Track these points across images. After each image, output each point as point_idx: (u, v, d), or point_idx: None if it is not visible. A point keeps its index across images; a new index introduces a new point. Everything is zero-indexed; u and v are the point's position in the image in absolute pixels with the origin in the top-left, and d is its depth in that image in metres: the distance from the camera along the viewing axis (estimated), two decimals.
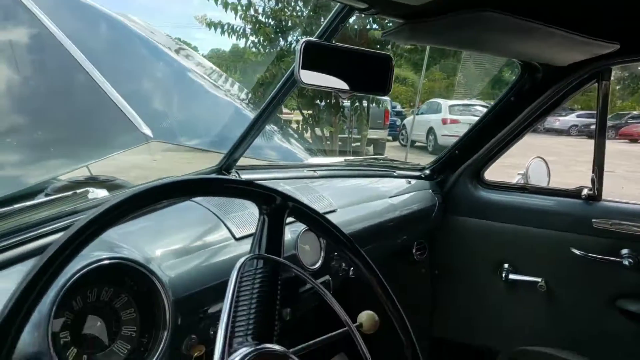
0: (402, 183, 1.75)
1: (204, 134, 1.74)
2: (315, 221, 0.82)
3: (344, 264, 1.35)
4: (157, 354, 0.84)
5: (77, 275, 0.76)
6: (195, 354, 0.92)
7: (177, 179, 0.66)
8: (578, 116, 15.33)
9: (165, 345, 0.85)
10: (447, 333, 1.94)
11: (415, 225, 1.74)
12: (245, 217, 1.14)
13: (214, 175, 0.91)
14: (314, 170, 1.52)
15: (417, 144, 11.23)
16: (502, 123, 1.66)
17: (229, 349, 0.62)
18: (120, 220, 0.61)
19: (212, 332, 0.98)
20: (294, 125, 5.79)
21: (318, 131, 5.69)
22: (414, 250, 1.85)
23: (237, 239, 1.08)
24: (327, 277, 1.29)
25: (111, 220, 0.60)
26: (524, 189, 1.74)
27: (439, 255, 1.92)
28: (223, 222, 1.09)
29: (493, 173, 1.84)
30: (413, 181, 1.79)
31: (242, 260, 0.69)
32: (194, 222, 1.08)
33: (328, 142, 5.75)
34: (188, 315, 0.93)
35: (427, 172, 1.87)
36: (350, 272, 1.35)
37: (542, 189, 1.73)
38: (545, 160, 1.83)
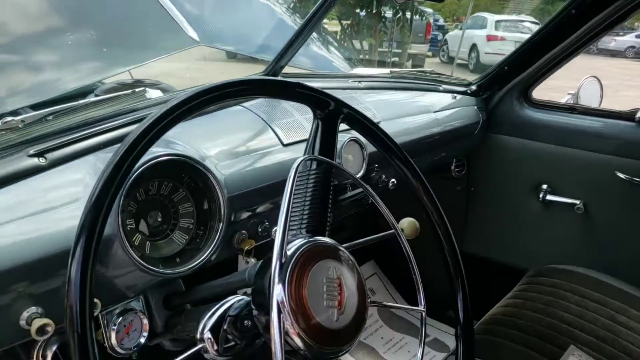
0: (447, 98, 1.72)
1: (250, 40, 1.72)
2: (368, 129, 0.84)
3: (384, 176, 1.38)
4: (213, 244, 0.90)
5: (141, 168, 0.81)
6: (246, 248, 0.99)
7: (243, 78, 0.68)
8: (637, 36, 14.30)
9: (220, 236, 0.91)
10: (477, 249, 1.99)
11: (456, 142, 1.74)
12: (292, 124, 1.16)
13: (275, 77, 0.93)
14: (359, 81, 1.51)
15: (458, 61, 10.82)
16: (558, 38, 1.58)
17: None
18: (190, 114, 0.64)
19: (260, 230, 1.04)
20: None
21: (357, 43, 5.53)
22: (452, 167, 1.86)
23: (284, 145, 1.11)
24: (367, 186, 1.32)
25: (184, 113, 0.63)
26: (572, 109, 1.70)
27: (477, 173, 1.92)
28: (271, 127, 1.12)
29: (537, 93, 1.79)
30: (458, 97, 1.76)
31: (298, 160, 0.72)
32: (243, 126, 1.11)
33: (367, 56, 5.60)
34: (239, 212, 0.99)
35: (474, 87, 1.83)
36: (390, 184, 1.39)
37: (593, 110, 1.68)
38: (600, 80, 1.76)
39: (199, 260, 0.89)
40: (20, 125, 0.81)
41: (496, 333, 1.30)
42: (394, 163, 0.85)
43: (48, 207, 0.76)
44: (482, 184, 1.93)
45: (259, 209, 1.03)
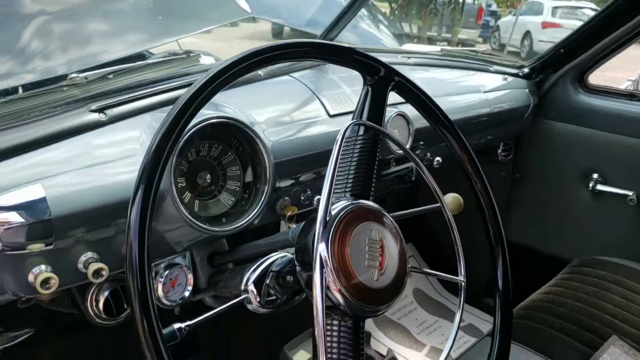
0: (497, 79, 1.68)
1: (299, 14, 1.72)
2: (418, 98, 0.84)
3: (429, 154, 1.37)
4: (257, 206, 0.93)
5: (194, 129, 0.83)
6: (288, 214, 1.01)
7: (295, 40, 0.69)
8: None
9: (265, 200, 0.93)
10: (519, 237, 1.95)
11: (504, 125, 1.70)
12: (339, 95, 1.17)
13: (327, 41, 0.94)
14: (408, 57, 1.50)
15: (509, 48, 10.48)
16: (618, 22, 1.52)
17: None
18: (249, 71, 0.66)
19: (302, 198, 1.06)
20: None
21: (406, 26, 5.44)
22: (499, 151, 1.83)
23: (330, 116, 1.12)
24: (411, 163, 1.32)
25: (244, 69, 0.65)
26: (632, 96, 1.63)
27: (524, 159, 1.88)
28: (318, 98, 1.13)
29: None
30: (510, 78, 1.72)
31: (346, 124, 0.73)
32: (291, 95, 1.13)
33: (415, 41, 5.51)
34: (283, 179, 1.01)
35: (526, 70, 1.78)
36: (435, 163, 1.38)
37: None
38: None
39: (244, 221, 0.91)
40: (84, 82, 0.85)
41: (535, 318, 1.28)
42: (441, 132, 0.85)
43: (105, 160, 0.80)
44: (529, 170, 1.89)
45: (303, 178, 1.05)
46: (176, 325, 0.63)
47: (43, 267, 0.73)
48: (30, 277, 0.72)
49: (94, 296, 0.85)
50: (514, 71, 1.76)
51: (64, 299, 0.89)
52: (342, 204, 0.69)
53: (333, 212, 0.67)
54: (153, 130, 0.83)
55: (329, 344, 0.65)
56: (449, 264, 0.83)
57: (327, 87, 1.16)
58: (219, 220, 0.92)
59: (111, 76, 0.91)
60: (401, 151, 1.24)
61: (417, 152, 1.34)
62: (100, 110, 0.83)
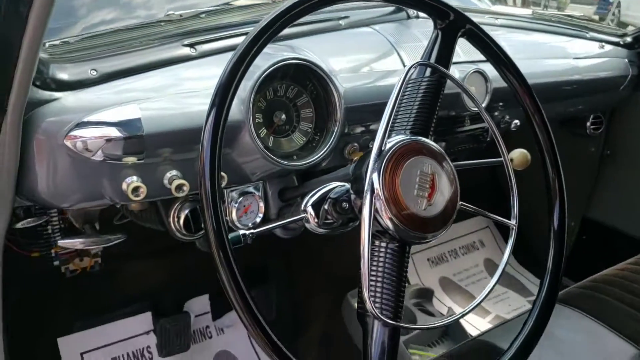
0: (593, 46, 1.59)
1: None
2: (489, 48, 0.84)
3: (507, 116, 1.35)
4: (327, 146, 0.99)
5: (272, 68, 0.90)
6: (355, 158, 1.06)
7: None
8: None
9: (334, 141, 0.99)
10: (603, 216, 1.86)
11: (597, 96, 1.61)
12: (418, 48, 1.18)
13: None
14: (495, 18, 1.46)
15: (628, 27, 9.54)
16: None
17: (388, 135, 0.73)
18: (312, 10, 0.71)
19: (371, 145, 1.10)
20: None
21: None
22: (588, 124, 1.74)
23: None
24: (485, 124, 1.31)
25: (311, 7, 0.70)
26: None
27: (616, 134, 1.77)
28: (396, 50, 1.16)
29: None
30: (608, 47, 1.62)
31: (411, 64, 0.76)
32: (370, 46, 1.16)
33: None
34: (353, 125, 1.06)
35: (629, 39, 1.66)
36: (512, 126, 1.36)
37: None
38: None
39: (314, 158, 0.98)
40: (178, 18, 0.95)
41: (603, 291, 1.25)
42: (507, 79, 0.85)
43: (192, 90, 0.90)
44: (621, 147, 1.78)
45: (372, 126, 1.09)
46: (242, 232, 0.71)
47: (135, 178, 0.84)
48: (124, 186, 0.84)
49: (176, 213, 0.96)
50: (614, 39, 1.66)
51: (151, 213, 1.01)
52: (399, 137, 0.73)
53: (388, 145, 0.71)
54: None
55: (374, 264, 0.70)
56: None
57: (406, 40, 1.18)
58: (290, 157, 0.99)
59: (203, 15, 1.00)
60: (477, 109, 1.24)
61: (496, 113, 1.33)
62: (192, 45, 0.93)
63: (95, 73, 0.84)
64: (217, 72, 0.93)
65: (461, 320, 1.73)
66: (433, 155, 0.73)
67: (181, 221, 0.96)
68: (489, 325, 1.76)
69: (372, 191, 0.68)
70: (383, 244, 0.71)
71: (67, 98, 0.81)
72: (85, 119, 0.79)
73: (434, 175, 0.71)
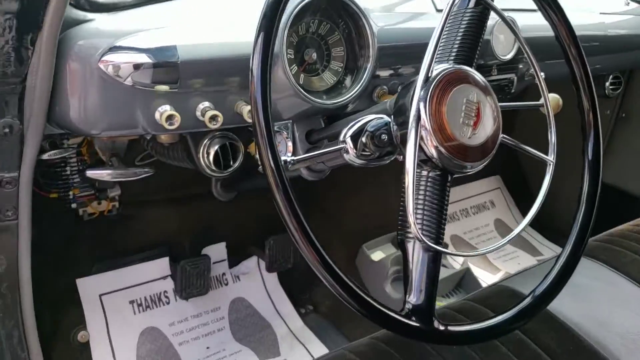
0: (619, 3, 1.57)
1: None
2: None
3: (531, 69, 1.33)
4: (357, 87, 0.97)
5: (303, 3, 0.88)
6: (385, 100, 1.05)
7: None
8: None
9: (365, 81, 0.98)
10: (615, 179, 1.86)
11: (619, 54, 1.59)
12: None
13: None
14: None
15: None
16: None
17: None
18: None
19: (399, 88, 1.09)
20: None
21: None
22: (607, 83, 1.72)
23: (438, 11, 1.12)
24: (512, 75, 1.30)
25: None
26: None
27: (633, 96, 1.76)
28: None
29: None
30: (634, 5, 1.59)
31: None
32: None
33: None
34: (383, 68, 1.04)
35: None
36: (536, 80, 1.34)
37: None
38: None
39: (344, 98, 0.97)
40: None
41: (620, 243, 1.26)
42: (544, 10, 0.84)
43: (233, 20, 0.88)
44: (637, 109, 1.77)
45: (402, 70, 1.08)
46: (283, 157, 0.70)
47: (168, 107, 0.83)
48: (157, 115, 0.82)
49: (206, 148, 0.95)
50: None
51: (179, 150, 1.00)
52: (444, 65, 0.72)
53: (434, 73, 0.70)
54: None
55: (416, 192, 0.70)
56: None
57: None
58: (319, 96, 0.98)
59: None
60: (505, 58, 1.22)
61: (520, 65, 1.31)
62: None
63: None
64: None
65: (473, 274, 1.75)
66: (478, 85, 0.72)
67: (211, 157, 0.96)
68: None
69: (418, 119, 0.67)
70: (424, 172, 0.71)
71: (102, 20, 0.79)
72: (119, 43, 0.77)
73: (480, 105, 0.70)
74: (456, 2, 0.75)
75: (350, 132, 0.79)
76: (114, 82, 0.78)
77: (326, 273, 0.63)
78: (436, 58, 0.76)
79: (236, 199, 1.48)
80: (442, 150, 0.68)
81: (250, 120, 0.88)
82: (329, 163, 0.98)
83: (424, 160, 0.70)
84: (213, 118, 0.84)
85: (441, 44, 0.77)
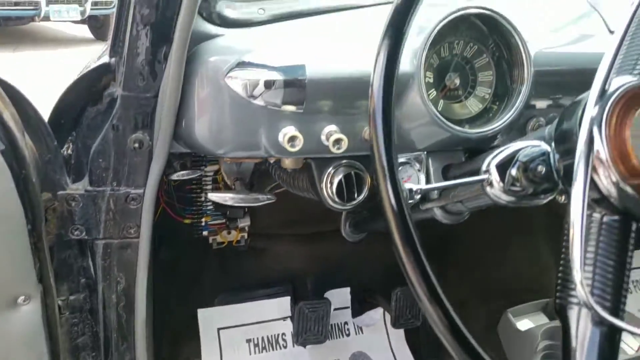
0: None
1: None
2: None
3: None
4: (506, 116, 0.83)
5: (449, 18, 0.79)
6: None
7: None
8: None
9: (517, 111, 0.83)
10: None
11: None
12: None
13: None
14: None
15: None
16: None
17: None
18: None
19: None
20: None
21: None
22: None
23: (611, 32, 0.94)
24: None
25: None
26: None
27: None
28: (597, 11, 0.96)
29: None
30: None
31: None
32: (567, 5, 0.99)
33: None
34: (541, 98, 0.89)
35: None
36: None
37: None
38: None
39: (490, 128, 0.83)
40: None
41: None
42: None
43: (364, 39, 0.81)
44: None
45: (563, 101, 0.91)
46: (408, 186, 0.59)
47: (292, 128, 0.77)
48: (280, 136, 0.77)
49: (329, 177, 0.87)
50: None
51: (303, 177, 0.94)
52: (627, 78, 0.55)
53: (611, 88, 0.54)
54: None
55: (585, 242, 0.53)
56: None
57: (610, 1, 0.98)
58: (461, 125, 0.86)
59: None
60: None
61: None
62: None
63: (262, 12, 0.80)
64: None
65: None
66: None
67: (334, 187, 0.87)
68: None
69: (590, 146, 0.52)
70: (596, 215, 0.54)
71: (231, 35, 0.78)
72: (246, 59, 0.75)
73: None
74: None
75: (496, 161, 0.65)
76: (240, 100, 0.75)
77: (454, 341, 0.49)
78: (616, 68, 0.60)
79: (366, 241, 1.38)
80: (625, 187, 0.51)
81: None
82: (468, 203, 0.84)
83: (596, 200, 0.53)
84: (337, 142, 0.77)
85: (624, 51, 0.61)
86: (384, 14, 0.84)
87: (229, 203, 0.97)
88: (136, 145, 0.79)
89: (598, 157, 0.52)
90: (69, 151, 0.87)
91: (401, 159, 0.87)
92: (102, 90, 0.80)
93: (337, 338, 1.41)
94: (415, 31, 0.80)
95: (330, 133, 0.78)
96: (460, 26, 0.83)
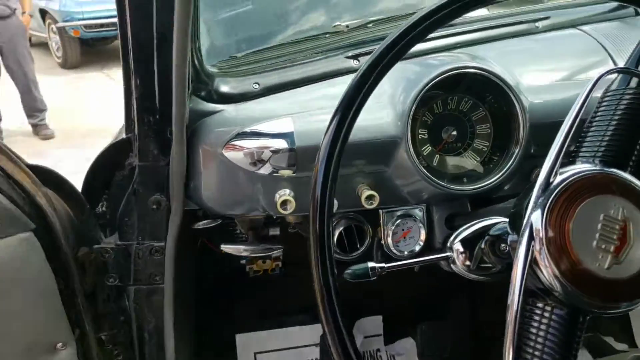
0: None
1: None
2: None
3: None
4: (505, 169, 0.84)
5: (443, 76, 0.80)
6: None
7: None
8: None
9: (515, 163, 0.83)
10: None
11: None
12: None
13: None
14: None
15: None
16: None
17: (564, 163, 0.56)
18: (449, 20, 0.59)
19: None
20: None
21: None
22: None
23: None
24: None
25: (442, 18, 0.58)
26: None
27: None
28: (612, 58, 0.93)
29: None
30: None
31: (606, 69, 0.58)
32: (573, 52, 0.96)
33: None
34: (543, 145, 0.87)
35: None
36: None
37: None
38: None
39: (489, 182, 0.84)
40: (344, 30, 0.91)
41: None
42: None
43: None
44: None
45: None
46: (370, 264, 0.63)
47: (287, 191, 0.83)
48: (276, 197, 0.83)
49: (331, 226, 0.92)
50: None
51: (306, 230, 0.99)
52: (577, 167, 0.56)
53: (560, 177, 0.55)
54: (404, 82, 0.83)
55: (534, 331, 0.54)
56: None
57: (625, 44, 0.94)
58: (459, 179, 0.87)
59: (371, 25, 0.94)
60: None
61: None
62: (355, 57, 0.88)
63: (257, 86, 0.86)
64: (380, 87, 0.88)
65: None
66: (627, 195, 0.54)
67: (334, 238, 0.92)
68: None
69: (531, 235, 0.53)
70: (547, 308, 0.55)
71: (230, 110, 0.85)
72: (242, 131, 0.81)
73: (627, 223, 0.52)
74: (605, 78, 0.58)
75: (462, 236, 0.67)
76: (239, 167, 0.82)
77: None
78: (580, 153, 0.60)
79: (398, 271, 1.41)
80: (565, 281, 0.51)
81: (367, 206, 0.83)
82: (481, 274, 0.84)
83: (544, 291, 0.54)
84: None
85: (589, 135, 0.60)
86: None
87: (244, 254, 1.04)
88: (154, 206, 0.89)
89: (538, 245, 0.53)
90: (104, 208, 0.99)
91: (400, 211, 0.90)
92: (124, 159, 0.90)
93: None
94: (403, 92, 0.82)
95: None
96: (454, 83, 0.84)
